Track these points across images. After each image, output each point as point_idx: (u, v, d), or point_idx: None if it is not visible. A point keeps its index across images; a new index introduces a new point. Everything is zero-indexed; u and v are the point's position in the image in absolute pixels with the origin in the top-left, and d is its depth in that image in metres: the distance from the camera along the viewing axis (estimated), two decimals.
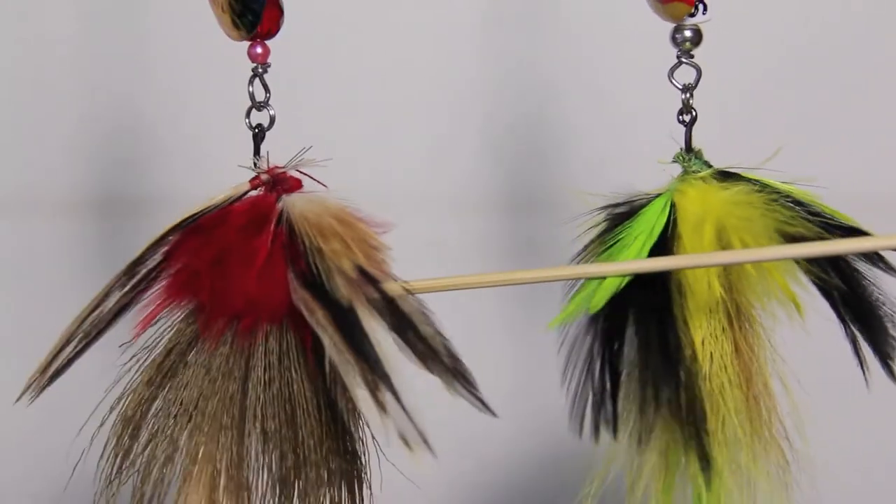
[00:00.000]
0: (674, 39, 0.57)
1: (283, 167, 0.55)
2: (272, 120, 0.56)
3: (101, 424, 0.53)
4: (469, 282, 0.54)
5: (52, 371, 0.53)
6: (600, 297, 0.54)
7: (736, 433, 0.54)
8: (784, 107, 0.86)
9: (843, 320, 0.55)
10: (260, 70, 0.56)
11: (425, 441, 0.46)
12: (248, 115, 0.56)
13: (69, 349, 0.53)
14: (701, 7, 0.56)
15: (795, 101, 0.86)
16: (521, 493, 0.84)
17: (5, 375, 0.86)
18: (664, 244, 0.55)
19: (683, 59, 0.58)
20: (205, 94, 0.83)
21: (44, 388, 0.53)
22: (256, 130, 0.56)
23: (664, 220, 0.55)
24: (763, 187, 0.55)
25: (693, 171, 0.57)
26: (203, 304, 0.52)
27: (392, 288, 0.50)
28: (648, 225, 0.55)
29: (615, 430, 0.53)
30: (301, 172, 0.55)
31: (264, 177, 0.55)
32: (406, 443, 0.46)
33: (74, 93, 0.84)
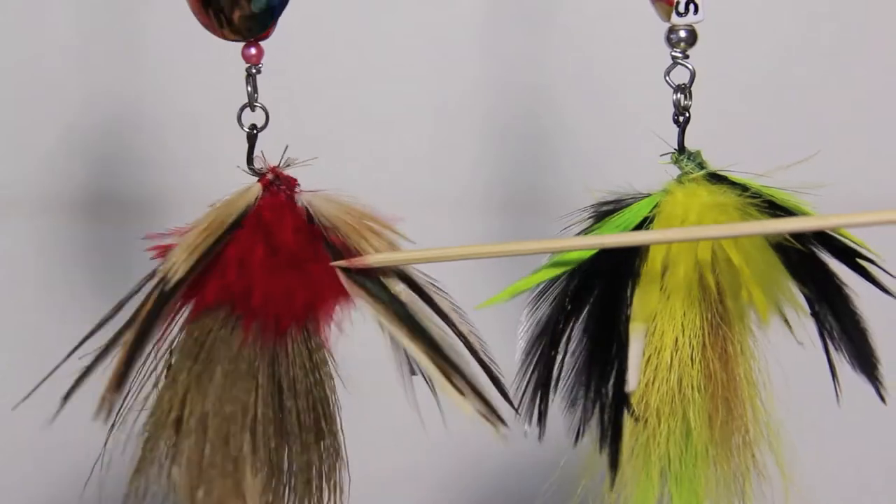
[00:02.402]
0: (668, 40, 0.57)
1: (278, 166, 0.56)
2: (267, 119, 0.56)
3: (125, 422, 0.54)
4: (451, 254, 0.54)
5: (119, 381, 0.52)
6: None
7: (696, 438, 0.55)
8: (783, 108, 0.86)
9: (826, 335, 0.55)
10: (254, 70, 0.56)
11: (499, 417, 0.51)
12: (239, 115, 0.57)
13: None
14: (692, 7, 0.56)
15: (795, 102, 0.86)
16: (515, 484, 0.85)
17: (6, 375, 0.87)
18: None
19: (679, 60, 0.57)
20: (206, 95, 0.83)
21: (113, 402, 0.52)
22: (252, 130, 0.56)
23: (639, 219, 0.55)
24: (745, 191, 0.55)
25: (686, 173, 0.57)
26: (252, 307, 0.52)
27: (428, 286, 0.53)
28: (622, 221, 0.55)
29: (541, 428, 0.54)
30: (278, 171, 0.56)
31: (270, 176, 0.55)
32: (487, 419, 0.51)
33: (74, 93, 0.84)
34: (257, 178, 0.55)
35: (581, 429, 0.54)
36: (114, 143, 0.85)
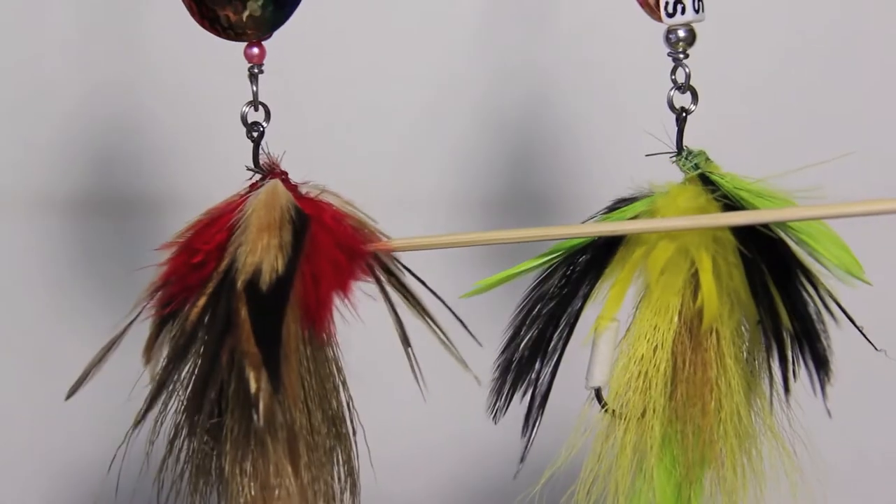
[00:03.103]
0: (667, 40, 0.57)
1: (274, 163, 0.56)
2: (268, 117, 0.56)
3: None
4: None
5: None
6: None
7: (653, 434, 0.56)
8: (784, 108, 0.86)
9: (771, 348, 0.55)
10: (256, 70, 0.56)
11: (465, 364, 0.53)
12: (244, 114, 0.56)
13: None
14: (680, 7, 0.56)
15: (795, 103, 0.86)
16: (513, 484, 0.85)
17: (5, 374, 0.87)
18: (615, 241, 0.56)
19: (679, 61, 0.58)
20: (206, 93, 0.83)
21: None
22: (254, 129, 0.56)
23: (628, 217, 0.56)
24: (713, 191, 0.55)
25: (685, 173, 0.57)
26: (319, 301, 0.53)
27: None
28: (616, 218, 0.56)
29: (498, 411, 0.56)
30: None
31: (278, 171, 0.56)
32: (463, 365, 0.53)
33: (74, 92, 0.84)
34: (265, 175, 0.56)
35: (531, 416, 0.56)
36: (114, 142, 0.85)
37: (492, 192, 0.86)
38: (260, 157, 0.56)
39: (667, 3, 0.56)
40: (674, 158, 0.58)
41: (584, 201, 0.58)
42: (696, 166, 0.57)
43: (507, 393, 0.56)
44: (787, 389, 0.54)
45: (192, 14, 0.54)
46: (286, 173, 0.55)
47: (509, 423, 0.56)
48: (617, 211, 0.57)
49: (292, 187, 0.55)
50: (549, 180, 0.86)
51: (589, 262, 0.56)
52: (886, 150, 0.86)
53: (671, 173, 0.58)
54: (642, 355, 0.56)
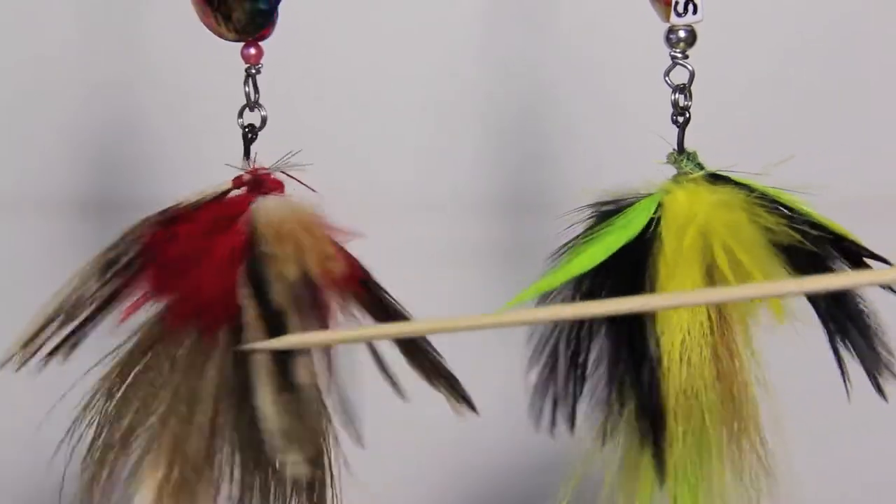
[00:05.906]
0: (668, 40, 0.57)
1: (268, 168, 0.55)
2: (264, 120, 0.57)
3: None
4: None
5: (40, 348, 0.54)
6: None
7: (709, 439, 0.55)
8: (783, 108, 0.86)
9: (829, 331, 0.55)
10: (253, 71, 0.56)
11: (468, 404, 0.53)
12: (240, 115, 0.57)
13: (54, 329, 0.54)
14: (692, 7, 0.56)
15: (795, 103, 0.86)
16: (506, 492, 0.85)
17: (5, 374, 0.87)
18: (642, 243, 0.55)
19: (678, 61, 0.58)
20: (208, 94, 0.83)
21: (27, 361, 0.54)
22: (247, 130, 0.56)
23: (646, 218, 0.55)
24: (751, 191, 0.55)
25: (685, 173, 0.57)
26: (169, 301, 0.53)
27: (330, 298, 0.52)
28: (627, 221, 0.56)
29: (572, 427, 0.54)
30: (287, 175, 0.55)
31: (246, 177, 0.55)
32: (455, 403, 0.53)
33: (75, 92, 0.84)
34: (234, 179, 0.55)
35: (608, 433, 0.55)
36: (114, 142, 0.85)
37: (490, 192, 0.86)
38: (251, 160, 0.56)
39: (677, 3, 0.56)
40: (670, 159, 0.58)
41: (580, 201, 0.58)
42: (700, 166, 0.57)
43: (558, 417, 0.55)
44: (879, 389, 0.54)
45: (201, 15, 0.55)
46: (257, 180, 0.55)
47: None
48: (619, 217, 0.56)
49: (238, 195, 0.55)
50: (548, 180, 0.86)
51: (620, 277, 0.55)
52: (886, 150, 0.86)
53: (661, 173, 0.58)
54: (680, 357, 0.55)
